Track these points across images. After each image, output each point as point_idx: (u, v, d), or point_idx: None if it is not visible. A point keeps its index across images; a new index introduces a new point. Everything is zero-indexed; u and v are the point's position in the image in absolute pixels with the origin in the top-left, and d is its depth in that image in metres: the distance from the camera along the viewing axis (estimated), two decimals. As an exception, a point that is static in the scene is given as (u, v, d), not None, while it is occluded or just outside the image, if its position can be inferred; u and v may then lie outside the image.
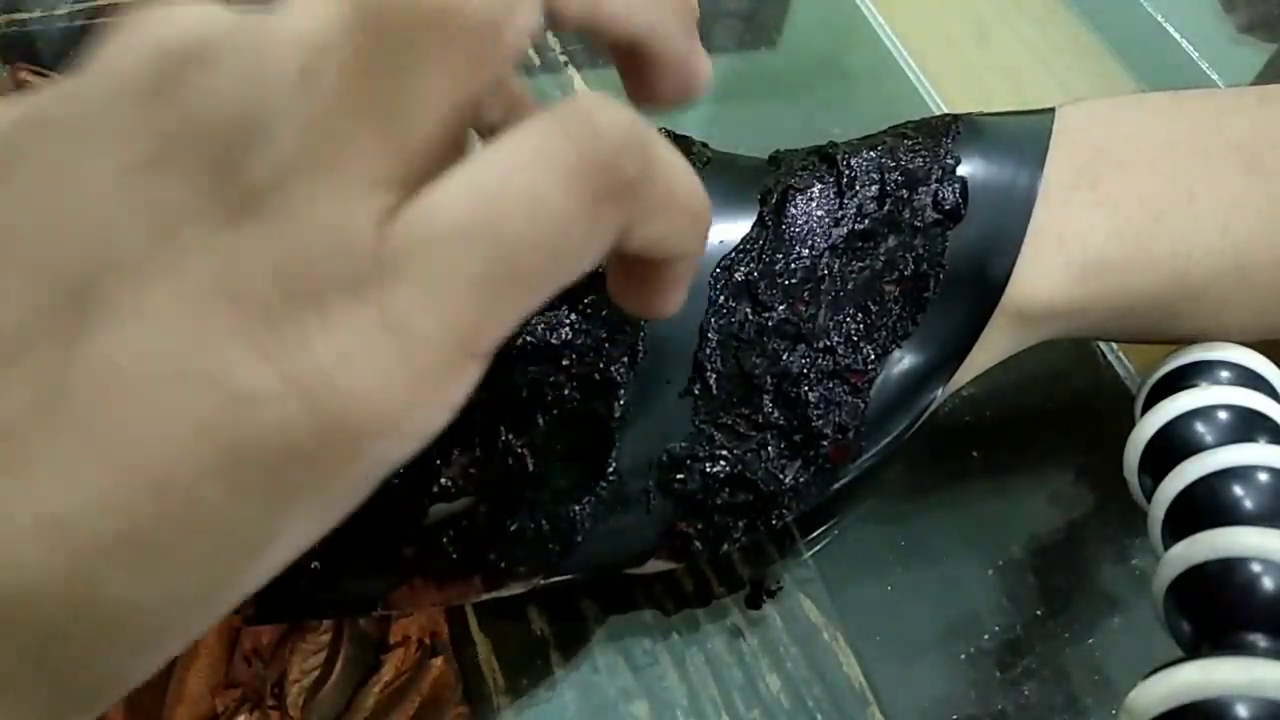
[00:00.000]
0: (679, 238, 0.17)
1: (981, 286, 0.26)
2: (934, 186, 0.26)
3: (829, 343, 0.25)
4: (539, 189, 0.14)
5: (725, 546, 0.25)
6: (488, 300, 0.14)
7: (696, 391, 0.25)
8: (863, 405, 0.25)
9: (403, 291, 0.14)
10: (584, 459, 0.24)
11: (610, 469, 0.24)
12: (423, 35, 0.14)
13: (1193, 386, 0.26)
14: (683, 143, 0.27)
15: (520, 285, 0.14)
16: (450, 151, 0.15)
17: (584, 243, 0.15)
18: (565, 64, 0.40)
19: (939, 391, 0.26)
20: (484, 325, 0.14)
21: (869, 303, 0.26)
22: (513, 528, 0.23)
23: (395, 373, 0.14)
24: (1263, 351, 0.26)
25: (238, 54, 0.14)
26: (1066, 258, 0.26)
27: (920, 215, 0.26)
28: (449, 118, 0.15)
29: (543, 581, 0.24)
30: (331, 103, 0.14)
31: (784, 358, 0.25)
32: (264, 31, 0.14)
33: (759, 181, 0.26)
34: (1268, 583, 0.21)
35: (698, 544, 0.25)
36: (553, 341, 0.23)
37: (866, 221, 0.26)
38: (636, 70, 0.18)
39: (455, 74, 0.14)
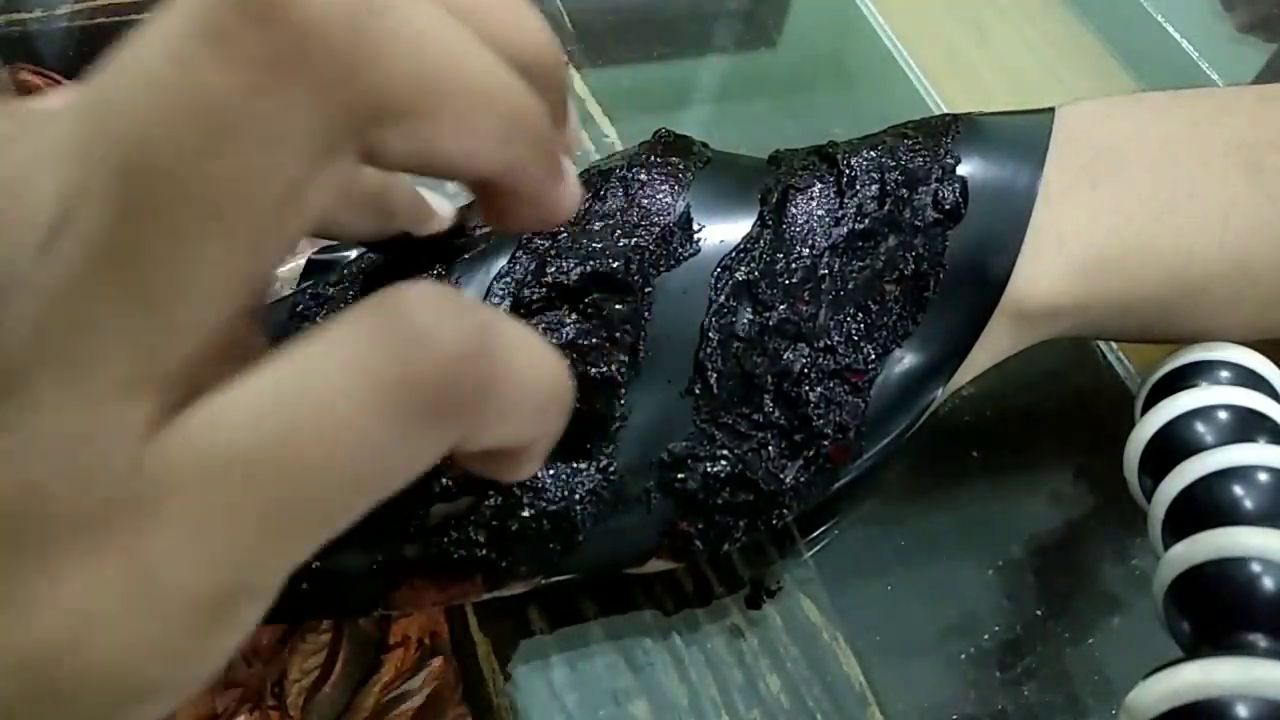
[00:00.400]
0: (531, 431, 0.14)
1: (982, 286, 0.26)
2: (934, 186, 0.26)
3: (829, 342, 0.25)
4: (345, 413, 0.11)
5: (726, 546, 0.25)
6: (269, 543, 0.12)
7: (697, 391, 0.25)
8: (863, 405, 0.25)
9: (159, 535, 0.11)
10: (585, 458, 0.24)
11: (611, 468, 0.24)
12: (190, 205, 0.11)
13: (1193, 386, 0.26)
14: (683, 143, 0.27)
15: (312, 521, 0.12)
16: (237, 337, 0.12)
17: (398, 470, 0.12)
18: (565, 64, 0.40)
19: (939, 391, 0.26)
20: (264, 569, 0.12)
21: (869, 302, 0.26)
22: (513, 528, 0.23)
23: (144, 636, 0.11)
24: (1263, 351, 0.26)
25: None
26: (1066, 257, 0.26)
27: (920, 215, 0.26)
28: (226, 303, 0.12)
29: (543, 581, 0.24)
30: (74, 279, 0.11)
31: (784, 357, 0.25)
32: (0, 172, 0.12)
33: (759, 181, 0.26)
34: (1268, 583, 0.21)
35: (698, 543, 0.25)
36: (553, 341, 0.23)
37: (867, 221, 0.26)
38: (489, 200, 0.15)
39: (233, 252, 0.11)
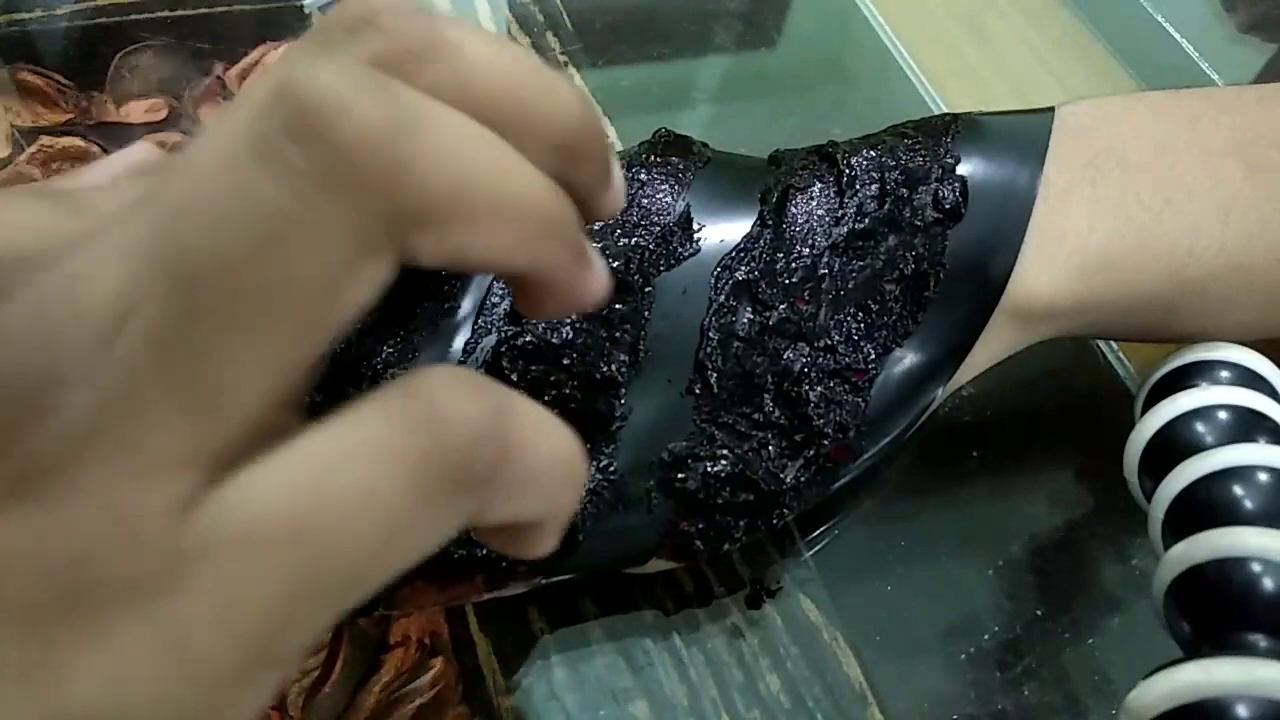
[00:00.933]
0: (545, 507, 0.15)
1: (982, 285, 0.26)
2: (934, 186, 0.26)
3: (830, 342, 0.25)
4: (368, 487, 0.12)
5: (726, 546, 0.25)
6: (293, 611, 0.12)
7: (697, 391, 0.25)
8: (863, 404, 0.25)
9: (191, 603, 0.12)
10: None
11: (611, 468, 0.24)
12: (241, 303, 0.12)
13: (1193, 386, 0.26)
14: (683, 143, 0.27)
15: (335, 590, 0.13)
16: (279, 417, 0.13)
17: (419, 541, 0.13)
18: (565, 64, 0.40)
19: (939, 391, 0.26)
20: (287, 637, 0.13)
21: (869, 302, 0.26)
22: (513, 527, 0.23)
23: (172, 702, 0.12)
24: (1263, 351, 0.26)
25: (34, 293, 0.12)
26: (1066, 256, 0.26)
27: (920, 214, 0.26)
28: (271, 390, 0.13)
29: (543, 581, 0.24)
30: (132, 369, 0.12)
31: (785, 357, 0.25)
32: (69, 271, 0.12)
33: (759, 181, 0.26)
34: (1268, 583, 0.21)
35: (699, 543, 0.25)
36: (553, 341, 0.23)
37: (867, 220, 0.26)
38: (519, 290, 0.16)
39: (278, 344, 0.13)
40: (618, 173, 0.17)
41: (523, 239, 0.15)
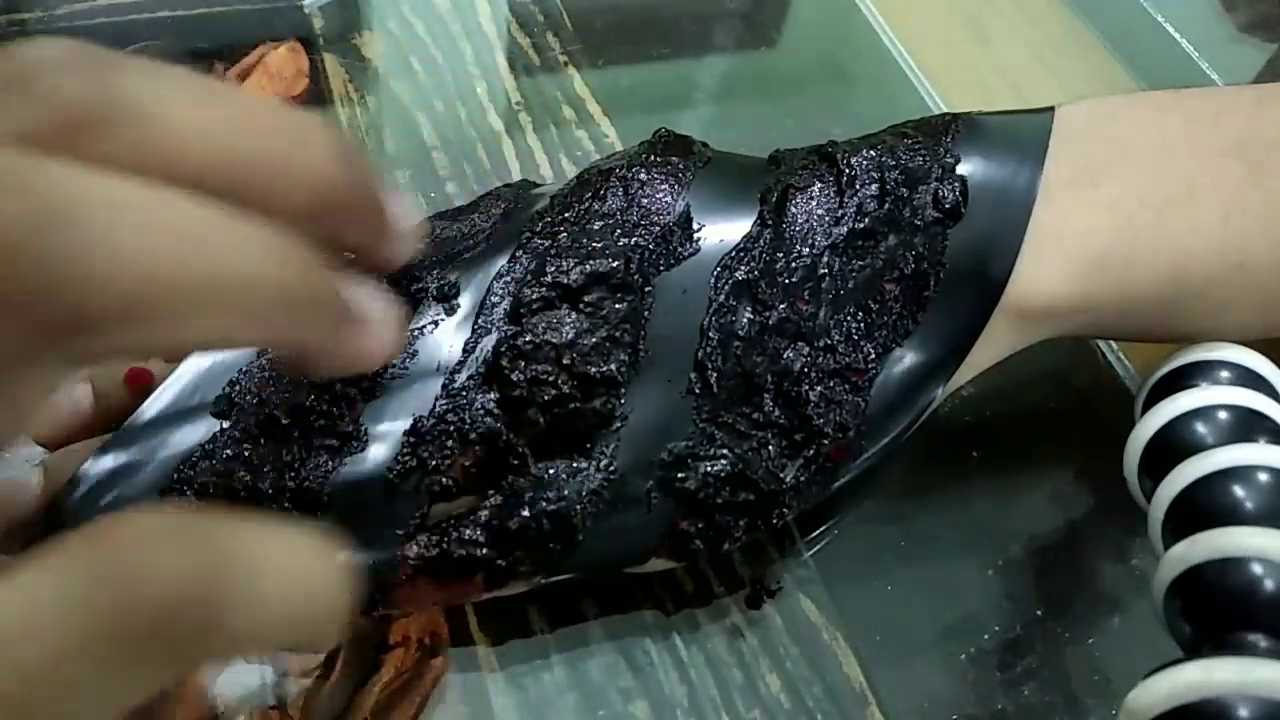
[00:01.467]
0: (295, 639, 0.13)
1: (982, 285, 0.26)
2: (934, 185, 0.26)
3: (830, 341, 0.25)
4: (49, 644, 0.11)
5: (726, 545, 0.25)
6: None
7: (697, 390, 0.25)
8: (863, 404, 0.25)
9: None
10: (585, 458, 0.24)
11: (611, 468, 0.24)
12: None
13: (1193, 386, 0.26)
14: (683, 142, 0.27)
15: None
16: None
17: (103, 704, 0.12)
18: (565, 64, 0.40)
19: (939, 390, 0.26)
20: None
21: (869, 301, 0.26)
22: (513, 527, 0.23)
23: None
24: (1263, 351, 0.26)
25: None
26: (1066, 256, 0.26)
27: (920, 214, 0.26)
28: None
29: (544, 580, 0.24)
30: None
31: (785, 356, 0.25)
32: None
33: (759, 181, 0.26)
34: (1268, 583, 0.21)
35: (698, 543, 0.25)
36: (553, 341, 0.23)
37: (867, 220, 0.26)
38: (277, 354, 0.15)
39: None
40: (399, 216, 0.15)
41: (249, 320, 0.13)
